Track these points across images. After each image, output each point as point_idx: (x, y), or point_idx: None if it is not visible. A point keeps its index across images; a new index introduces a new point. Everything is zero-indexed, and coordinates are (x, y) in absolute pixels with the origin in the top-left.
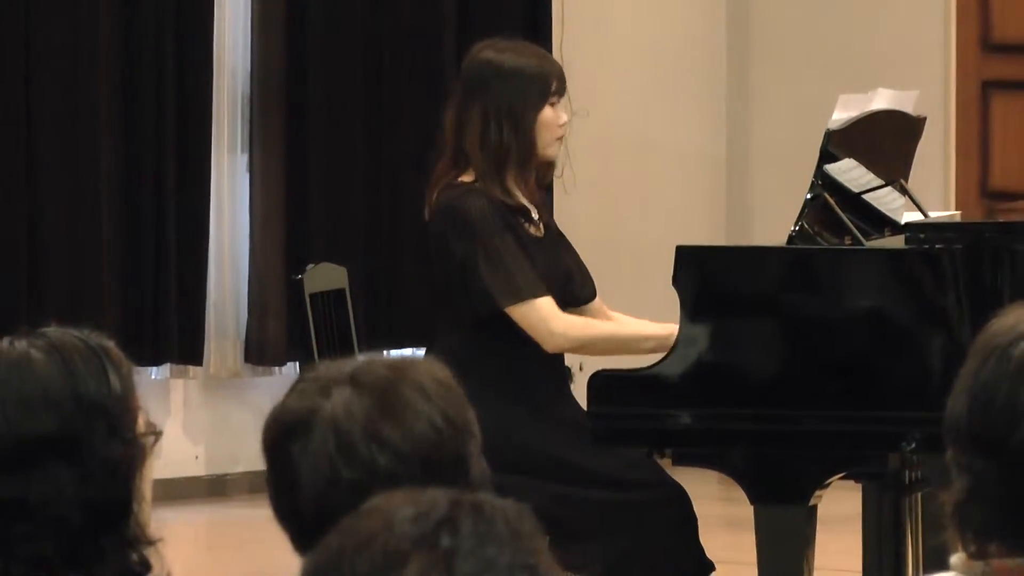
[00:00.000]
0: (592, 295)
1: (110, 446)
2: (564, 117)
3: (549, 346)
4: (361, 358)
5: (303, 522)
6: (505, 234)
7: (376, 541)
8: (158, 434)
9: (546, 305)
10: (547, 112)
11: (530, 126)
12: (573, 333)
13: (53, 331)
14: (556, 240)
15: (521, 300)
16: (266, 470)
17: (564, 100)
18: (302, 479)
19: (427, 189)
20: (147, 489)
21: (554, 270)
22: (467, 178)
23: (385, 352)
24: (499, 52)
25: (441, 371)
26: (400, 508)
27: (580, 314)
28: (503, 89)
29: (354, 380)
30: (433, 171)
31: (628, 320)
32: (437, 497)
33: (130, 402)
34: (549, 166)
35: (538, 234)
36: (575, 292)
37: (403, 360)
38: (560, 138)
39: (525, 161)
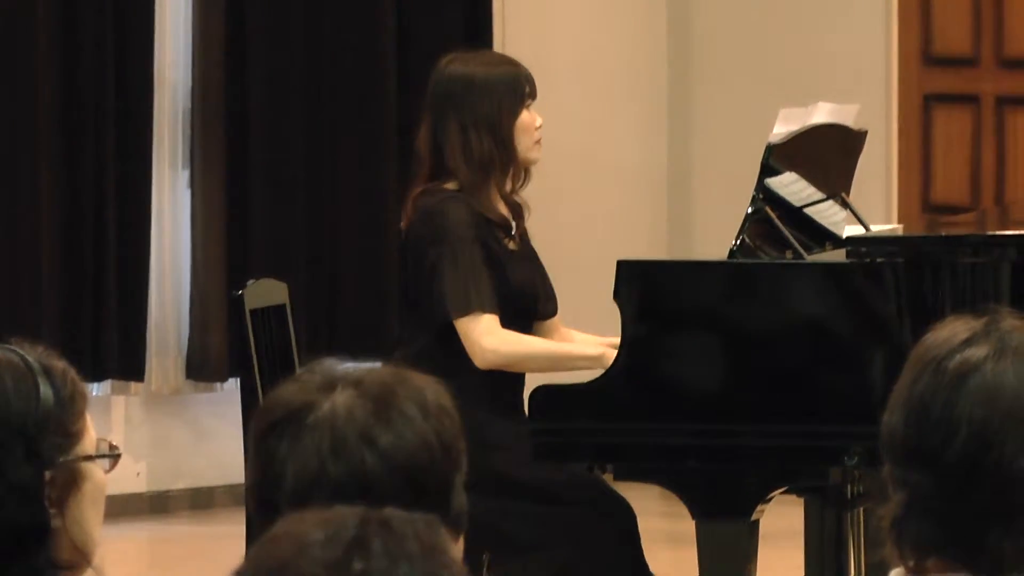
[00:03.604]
0: (554, 312)
1: (21, 470)
2: (539, 119)
3: (479, 361)
4: (367, 364)
5: (278, 514)
6: (474, 246)
7: (288, 569)
8: (116, 456)
9: (486, 321)
10: (524, 116)
11: (509, 133)
12: (505, 349)
13: None
14: (530, 253)
15: (466, 313)
16: (250, 456)
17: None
18: (287, 473)
19: (403, 202)
20: (90, 512)
21: (527, 284)
22: (450, 186)
23: None
24: (466, 64)
25: (444, 396)
26: (311, 531)
27: (538, 330)
28: (477, 100)
29: (359, 383)
30: (409, 191)
31: (576, 338)
32: (346, 516)
33: (67, 424)
34: (527, 172)
35: (514, 247)
36: (540, 308)
37: (409, 371)
38: (538, 141)
39: (508, 168)
